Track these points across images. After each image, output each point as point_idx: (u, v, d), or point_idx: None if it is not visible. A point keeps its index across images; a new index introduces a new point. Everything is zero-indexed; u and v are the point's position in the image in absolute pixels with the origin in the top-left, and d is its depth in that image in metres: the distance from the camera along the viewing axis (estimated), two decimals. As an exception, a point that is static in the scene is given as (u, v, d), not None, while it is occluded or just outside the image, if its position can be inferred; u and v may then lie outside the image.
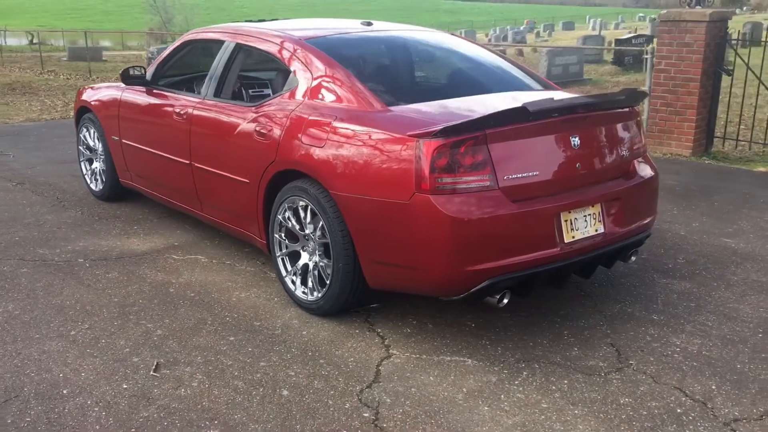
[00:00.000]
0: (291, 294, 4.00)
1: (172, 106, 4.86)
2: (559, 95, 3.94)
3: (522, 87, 4.28)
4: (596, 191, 3.64)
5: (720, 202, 6.14)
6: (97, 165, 6.11)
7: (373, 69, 4.05)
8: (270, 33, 4.35)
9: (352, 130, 3.56)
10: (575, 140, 3.53)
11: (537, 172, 3.41)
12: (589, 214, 3.61)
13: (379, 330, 3.73)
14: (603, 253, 3.71)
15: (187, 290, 4.24)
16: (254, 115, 4.12)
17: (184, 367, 3.34)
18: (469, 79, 4.28)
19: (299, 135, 3.78)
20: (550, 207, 3.40)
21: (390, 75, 4.03)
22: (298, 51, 4.07)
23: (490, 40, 38.19)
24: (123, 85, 5.43)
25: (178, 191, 5.00)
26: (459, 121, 3.25)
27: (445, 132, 3.22)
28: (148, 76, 5.28)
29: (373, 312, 3.92)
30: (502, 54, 4.57)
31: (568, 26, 48.58)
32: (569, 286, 4.23)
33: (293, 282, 3.97)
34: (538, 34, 47.09)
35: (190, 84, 4.94)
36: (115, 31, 44.82)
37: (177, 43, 5.23)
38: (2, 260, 4.72)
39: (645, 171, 3.95)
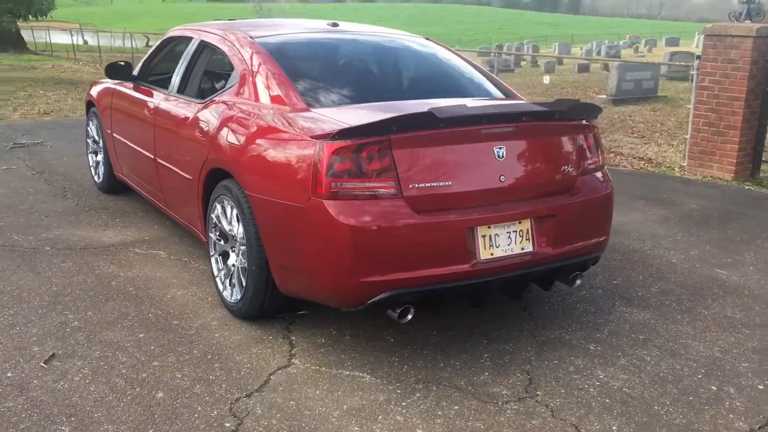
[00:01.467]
0: (219, 294, 3.92)
1: (145, 101, 4.90)
2: (510, 104, 3.70)
3: (477, 94, 4.06)
4: (525, 207, 3.39)
5: (735, 230, 5.66)
6: (99, 157, 6.24)
7: (313, 70, 3.92)
8: (228, 31, 4.31)
9: (267, 130, 3.46)
10: (500, 151, 3.30)
11: (449, 183, 3.19)
12: (515, 231, 3.36)
13: (294, 338, 3.59)
14: (531, 273, 3.45)
15: (128, 285, 4.23)
16: (198, 112, 4.08)
17: (77, 360, 3.31)
18: (417, 84, 4.09)
19: (226, 133, 3.72)
20: (460, 220, 3.18)
21: (329, 77, 3.89)
22: (244, 49, 4.00)
23: (581, 54, 37.29)
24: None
25: (149, 186, 5.03)
26: (358, 124, 3.09)
27: (345, 134, 3.06)
28: (136, 71, 5.34)
29: (299, 319, 3.79)
30: (471, 62, 4.35)
31: (673, 42, 46.79)
32: (515, 307, 3.96)
33: (222, 282, 3.89)
34: (636, 50, 45.55)
35: (167, 80, 4.97)
36: None
37: (161, 40, 5.27)
38: (-26, 244, 4.85)
39: (593, 189, 3.65)
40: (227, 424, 2.84)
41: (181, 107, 4.34)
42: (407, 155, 3.12)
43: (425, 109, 3.12)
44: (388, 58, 4.21)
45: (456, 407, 3.00)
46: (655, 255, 4.98)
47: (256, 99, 3.69)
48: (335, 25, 4.51)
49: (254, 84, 3.75)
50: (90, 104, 6.33)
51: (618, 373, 3.31)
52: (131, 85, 5.31)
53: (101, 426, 2.80)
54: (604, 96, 15.33)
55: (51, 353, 3.37)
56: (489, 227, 3.29)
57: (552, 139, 3.53)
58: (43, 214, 5.63)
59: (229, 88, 3.96)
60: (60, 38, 33.16)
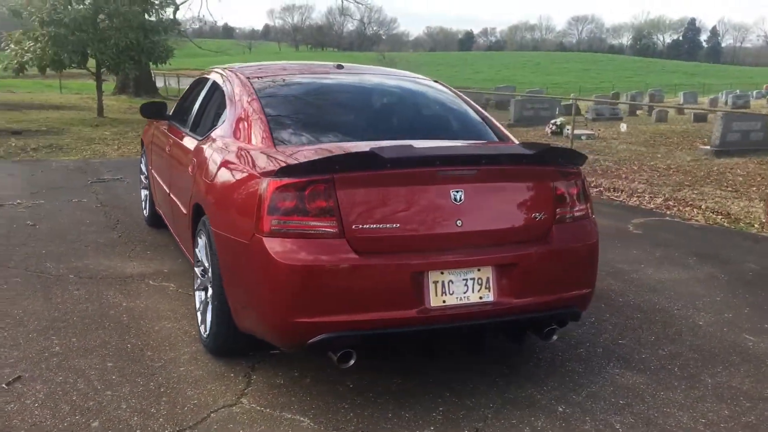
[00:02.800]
0: (198, 329, 3.95)
1: (169, 138, 5.09)
2: (472, 147, 3.57)
3: (464, 137, 3.93)
4: (484, 254, 3.22)
5: (788, 293, 5.15)
6: (146, 192, 6.52)
7: (295, 110, 3.93)
8: (231, 71, 4.42)
9: (230, 167, 3.50)
10: (457, 194, 3.17)
11: (396, 225, 3.09)
12: (473, 279, 3.20)
13: (255, 376, 3.56)
14: (490, 324, 3.26)
15: (124, 314, 4.34)
16: (193, 149, 4.19)
17: (38, 384, 3.41)
18: (400, 125, 4.00)
19: (203, 169, 3.79)
20: (404, 264, 3.06)
21: (309, 117, 3.89)
22: (236, 88, 4.08)
23: (707, 104, 35.66)
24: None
25: (167, 219, 5.19)
26: (299, 161, 3.06)
27: (288, 171, 3.04)
28: (171, 111, 5.57)
29: (269, 358, 3.74)
30: (472, 105, 4.23)
31: (811, 94, 43.88)
32: (495, 362, 3.76)
33: (200, 317, 3.92)
34: (770, 100, 43.03)
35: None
36: None
37: (194, 81, 5.49)
38: (8, 269, 5.15)
39: (571, 238, 3.43)
40: (144, 458, 2.81)
41: (186, 144, 4.47)
42: (351, 195, 3.05)
43: (404, 150, 3.06)
44: (377, 99, 4.16)
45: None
46: (680, 315, 4.60)
47: (234, 137, 3.74)
48: (340, 67, 4.53)
49: (235, 122, 3.81)
50: (143, 143, 6.64)
51: (575, 439, 3.05)
52: (165, 124, 5.53)
53: (24, 449, 2.84)
54: (708, 147, 14.54)
55: (17, 375, 3.48)
56: (442, 273, 3.14)
57: (521, 184, 3.35)
58: (85, 244, 5.91)
59: (218, 126, 4.05)
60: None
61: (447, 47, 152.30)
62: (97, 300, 4.56)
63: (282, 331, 3.08)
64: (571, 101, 24.65)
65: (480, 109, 4.23)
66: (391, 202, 3.10)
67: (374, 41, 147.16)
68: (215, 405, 3.26)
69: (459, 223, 3.17)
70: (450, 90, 4.45)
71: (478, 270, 3.21)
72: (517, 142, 3.95)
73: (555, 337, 3.50)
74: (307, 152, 3.31)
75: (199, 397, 3.33)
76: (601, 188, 9.77)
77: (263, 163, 3.23)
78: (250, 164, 3.32)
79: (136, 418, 3.12)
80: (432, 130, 3.94)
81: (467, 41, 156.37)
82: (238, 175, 3.36)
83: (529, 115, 21.16)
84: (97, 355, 3.74)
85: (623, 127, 18.99)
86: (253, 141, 3.55)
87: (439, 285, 3.14)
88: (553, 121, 18.61)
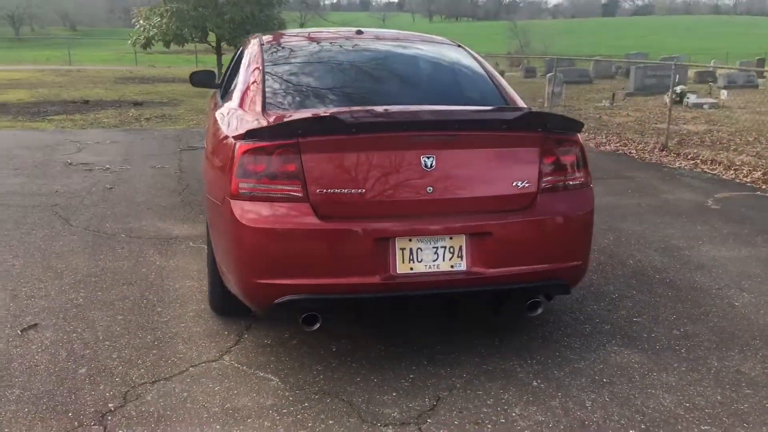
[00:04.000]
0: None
1: (209, 107, 5.28)
2: (480, 113, 3.46)
3: (470, 102, 3.81)
4: (457, 222, 3.15)
5: None
6: (210, 159, 6.78)
7: (299, 77, 3.94)
8: (255, 38, 4.51)
9: (218, 132, 3.60)
10: (429, 160, 3.11)
11: (362, 190, 3.08)
12: (443, 247, 3.15)
13: (246, 336, 3.68)
14: (463, 293, 3.20)
15: (153, 272, 4.59)
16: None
17: (48, 332, 3.68)
18: (403, 91, 3.92)
19: (207, 133, 3.91)
20: (367, 229, 3.06)
21: (310, 81, 3.89)
22: (248, 53, 4.17)
23: None
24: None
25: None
26: (265, 125, 3.11)
27: (254, 135, 3.10)
28: (219, 80, 5.75)
29: (266, 319, 3.83)
30: (490, 71, 4.09)
31: None
32: (487, 333, 3.68)
33: (208, 277, 4.08)
34: None
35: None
36: (495, 55, 46.31)
37: (237, 50, 5.63)
38: (71, 227, 5.56)
39: (559, 208, 3.28)
40: (110, 405, 3.00)
41: (214, 112, 4.61)
42: (316, 160, 3.06)
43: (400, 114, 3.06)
44: (383, 65, 4.10)
45: (330, 422, 2.88)
46: (717, 295, 4.29)
47: (237, 104, 3.82)
48: (360, 32, 4.50)
49: (240, 89, 3.89)
50: (210, 110, 6.90)
51: (536, 414, 2.95)
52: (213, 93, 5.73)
53: (12, 390, 3.10)
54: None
55: (35, 323, 3.78)
56: (410, 240, 3.11)
57: (501, 150, 3.23)
58: (148, 206, 6.27)
59: (231, 93, 4.15)
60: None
61: (589, 13, 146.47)
62: (134, 258, 4.84)
63: (248, 292, 3.16)
64: (706, 67, 23.17)
65: (495, 74, 4.08)
66: (357, 167, 3.09)
67: (511, 9, 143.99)
68: (197, 360, 3.40)
69: (429, 189, 3.11)
70: (470, 54, 4.31)
71: (450, 238, 3.14)
72: (524, 107, 3.79)
73: (539, 310, 3.37)
74: (286, 117, 3.34)
75: (186, 352, 3.49)
76: (698, 160, 9.17)
77: (240, 127, 3.29)
78: (232, 129, 3.39)
79: (120, 368, 3.31)
80: (433, 96, 3.85)
81: (611, 6, 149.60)
82: (220, 140, 3.45)
83: (651, 84, 20.08)
84: (112, 309, 3.99)
85: (724, 93, 17.57)
86: (246, 107, 3.62)
87: (407, 252, 3.11)
88: (674, 89, 17.54)
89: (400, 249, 3.10)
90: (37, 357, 3.40)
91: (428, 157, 3.10)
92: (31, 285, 4.31)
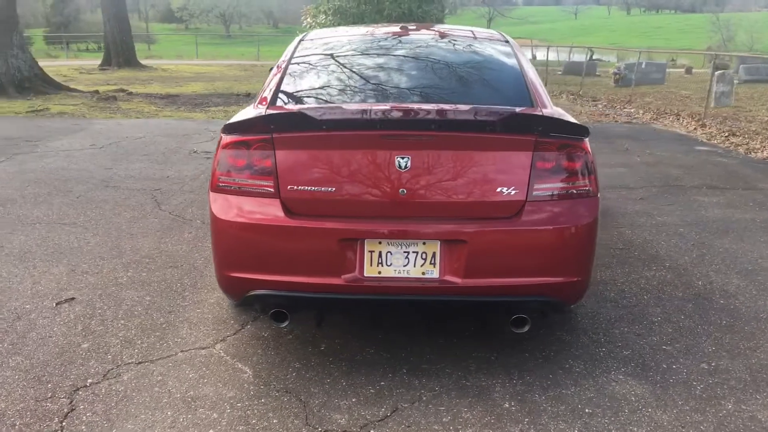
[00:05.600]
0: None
1: None
2: (463, 113, 3.26)
3: (491, 101, 3.59)
4: (430, 226, 3.01)
5: None
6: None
7: (320, 73, 3.91)
8: (302, 34, 4.56)
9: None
10: (404, 161, 2.99)
11: (333, 188, 3.03)
12: (415, 252, 3.02)
13: (248, 327, 3.73)
14: (435, 302, 3.06)
15: (202, 258, 4.79)
16: None
17: (79, 306, 3.97)
18: (421, 89, 3.74)
19: None
20: (333, 229, 3.00)
21: (328, 80, 3.84)
22: (288, 51, 4.22)
23: None
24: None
25: None
26: (243, 119, 3.14)
27: (232, 129, 3.14)
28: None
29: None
30: (524, 69, 3.84)
31: None
32: (493, 349, 3.49)
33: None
34: None
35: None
36: (673, 50, 44.01)
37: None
38: (160, 211, 5.94)
39: (551, 219, 3.03)
40: (89, 381, 3.18)
41: None
42: (289, 155, 3.05)
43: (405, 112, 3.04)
44: (410, 63, 3.94)
45: (274, 421, 2.87)
46: (782, 328, 3.76)
47: (257, 98, 3.88)
48: (403, 28, 4.40)
49: (267, 82, 3.95)
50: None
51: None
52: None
53: (15, 357, 3.38)
54: None
55: (72, 297, 4.08)
56: (380, 243, 3.01)
57: (487, 153, 3.03)
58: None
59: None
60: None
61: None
62: (194, 243, 5.08)
63: (222, 284, 3.21)
64: None
65: (530, 74, 3.81)
66: (329, 164, 3.03)
67: (720, 1, 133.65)
68: (190, 346, 3.51)
69: (403, 191, 2.99)
70: (511, 52, 4.05)
71: (423, 243, 3.00)
72: (540, 111, 3.52)
73: (526, 328, 3.13)
74: (276, 111, 3.34)
75: (186, 337, 3.61)
76: None
77: (230, 120, 3.34)
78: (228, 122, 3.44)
79: (118, 347, 3.49)
80: (449, 95, 3.66)
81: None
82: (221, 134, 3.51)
83: None
84: (146, 290, 4.21)
85: None
86: (258, 103, 3.66)
87: (375, 255, 3.01)
88: None
89: (369, 251, 3.01)
90: (54, 329, 3.67)
91: (403, 158, 2.98)
92: (91, 262, 4.65)
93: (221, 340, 3.56)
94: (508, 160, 3.01)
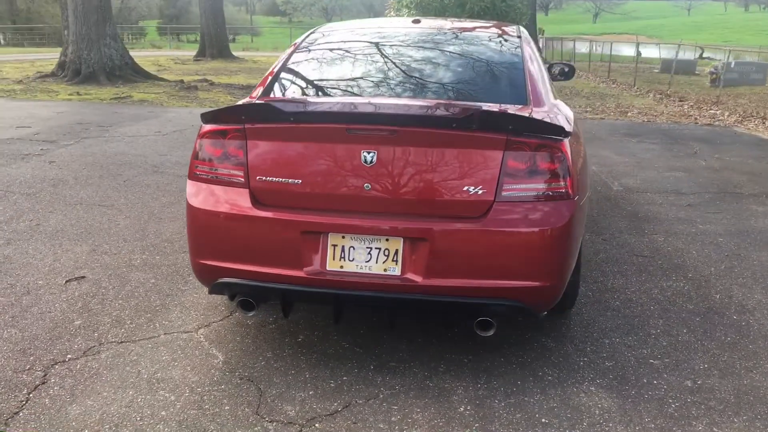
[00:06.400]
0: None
1: None
2: (430, 109, 3.20)
3: (487, 99, 3.52)
4: (394, 223, 2.98)
5: None
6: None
7: (318, 66, 3.91)
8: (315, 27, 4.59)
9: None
10: (369, 156, 2.97)
11: (299, 181, 3.04)
12: (378, 248, 3.00)
13: (236, 314, 3.80)
14: (395, 300, 3.02)
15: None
16: None
17: (86, 285, 4.14)
18: (413, 85, 3.67)
19: None
20: (296, 221, 3.01)
21: (323, 73, 3.85)
22: (296, 43, 4.26)
23: None
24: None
25: None
26: (216, 109, 3.19)
27: (209, 118, 3.20)
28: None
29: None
30: (530, 69, 3.72)
31: None
32: (467, 348, 3.42)
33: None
34: None
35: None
36: None
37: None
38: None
39: (521, 220, 2.93)
40: (68, 356, 3.32)
41: None
42: (260, 146, 3.08)
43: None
44: (411, 57, 3.89)
45: (226, 408, 2.92)
46: (791, 349, 3.51)
47: (257, 89, 3.93)
48: (417, 21, 4.36)
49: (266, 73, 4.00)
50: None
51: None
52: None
53: (11, 330, 3.56)
54: None
55: (82, 276, 4.26)
56: (343, 237, 3.00)
57: (455, 151, 2.96)
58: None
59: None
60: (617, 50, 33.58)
61: None
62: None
63: (194, 270, 3.28)
64: None
65: (534, 71, 3.70)
66: (297, 157, 3.04)
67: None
68: (174, 329, 3.60)
69: (367, 186, 2.97)
70: (523, 48, 3.94)
71: (387, 240, 2.97)
72: (547, 109, 3.42)
73: (491, 332, 3.04)
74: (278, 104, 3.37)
75: (175, 320, 3.71)
76: None
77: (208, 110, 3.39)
78: (216, 112, 3.50)
79: (107, 326, 3.62)
80: (438, 90, 3.60)
81: None
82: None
83: None
84: (153, 272, 4.35)
85: None
86: (252, 94, 3.72)
87: (338, 249, 3.00)
88: None
89: (332, 245, 3.00)
90: (56, 305, 3.84)
91: (369, 153, 2.95)
92: (113, 243, 4.85)
93: (206, 326, 3.63)
94: (476, 159, 2.93)
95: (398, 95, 3.48)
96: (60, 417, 2.82)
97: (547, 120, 3.15)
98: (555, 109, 3.51)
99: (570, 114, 3.66)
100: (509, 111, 3.19)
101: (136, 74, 16.66)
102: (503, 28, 4.35)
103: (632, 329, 3.66)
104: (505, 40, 4.05)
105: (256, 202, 3.05)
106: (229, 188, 3.10)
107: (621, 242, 5.10)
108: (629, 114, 13.23)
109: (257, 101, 3.36)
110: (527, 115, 3.11)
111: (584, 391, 3.05)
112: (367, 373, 3.19)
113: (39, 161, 7.45)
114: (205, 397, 2.97)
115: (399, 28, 4.25)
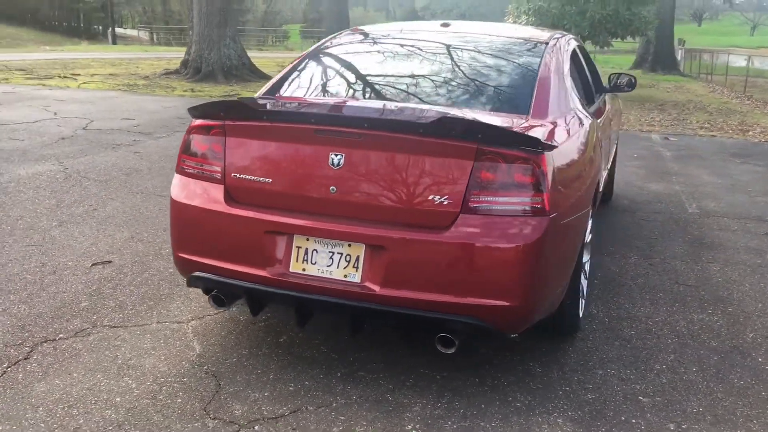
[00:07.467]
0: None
1: None
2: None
3: (490, 107, 3.38)
4: (356, 228, 2.91)
5: None
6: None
7: (331, 66, 3.89)
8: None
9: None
10: (337, 158, 2.93)
11: (270, 180, 3.04)
12: (340, 253, 2.94)
13: (232, 309, 3.86)
14: (355, 308, 2.95)
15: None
16: None
17: (108, 270, 4.32)
18: (422, 89, 3.55)
19: None
20: (260, 220, 3.00)
21: (333, 73, 3.81)
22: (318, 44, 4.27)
23: None
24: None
25: None
26: (201, 104, 3.23)
27: (194, 113, 3.25)
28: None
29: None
30: (543, 78, 3.52)
31: None
32: (449, 366, 3.30)
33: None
34: None
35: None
36: None
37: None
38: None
39: (486, 234, 2.77)
40: (60, 335, 3.47)
41: None
42: (236, 143, 3.10)
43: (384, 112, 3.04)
44: (425, 61, 3.78)
45: (178, 401, 2.95)
46: (812, 401, 3.14)
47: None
48: (445, 25, 4.25)
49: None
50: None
51: (357, 456, 2.62)
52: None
53: (20, 306, 3.77)
54: None
55: (109, 261, 4.46)
56: (307, 239, 2.97)
57: (423, 158, 2.85)
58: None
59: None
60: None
61: None
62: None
63: (174, 262, 3.34)
64: None
65: (547, 82, 3.51)
66: (269, 156, 3.03)
67: None
68: (169, 319, 3.69)
69: (333, 189, 2.92)
70: (542, 57, 3.74)
71: (349, 245, 2.91)
72: (550, 121, 3.24)
73: (452, 350, 2.90)
74: (273, 104, 3.40)
75: (173, 309, 3.80)
76: None
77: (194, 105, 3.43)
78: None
79: (108, 310, 3.76)
80: (437, 96, 3.48)
81: None
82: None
83: None
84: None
85: None
86: (261, 90, 3.75)
87: (302, 251, 2.97)
88: None
89: (297, 247, 2.97)
90: (72, 287, 4.03)
91: (336, 155, 2.90)
92: (152, 231, 5.04)
93: (198, 318, 3.69)
94: (444, 168, 2.81)
95: (388, 100, 3.40)
96: (24, 393, 2.93)
97: (538, 132, 2.97)
98: (560, 121, 3.31)
99: (579, 128, 3.44)
100: (469, 118, 3.01)
101: (251, 74, 17.30)
102: (536, 35, 4.16)
103: (635, 362, 3.38)
104: (528, 48, 3.87)
105: (230, 199, 3.06)
106: (208, 184, 3.13)
107: (668, 268, 4.74)
108: (749, 133, 12.31)
109: (230, 99, 3.36)
110: (500, 125, 2.93)
111: (549, 423, 2.84)
112: (332, 380, 3.12)
113: (126, 151, 7.86)
114: (163, 388, 3.01)
115: (421, 32, 4.15)
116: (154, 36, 51.36)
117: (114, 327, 3.54)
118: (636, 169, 8.21)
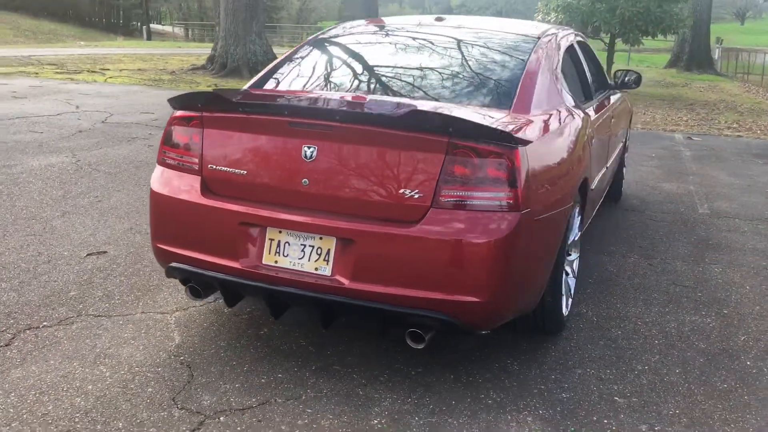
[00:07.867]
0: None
1: None
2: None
3: (471, 101, 3.35)
4: (327, 221, 2.90)
5: None
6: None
7: (316, 60, 3.88)
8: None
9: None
10: (309, 151, 2.92)
11: (244, 172, 3.05)
12: (311, 246, 2.94)
13: (219, 301, 3.88)
14: (325, 302, 2.94)
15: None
16: None
17: (102, 260, 4.37)
18: (402, 83, 3.53)
19: None
20: (234, 212, 3.01)
21: (317, 68, 3.79)
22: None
23: None
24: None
25: None
26: (179, 95, 3.24)
27: (174, 104, 3.26)
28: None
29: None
30: (531, 74, 3.47)
31: None
32: (429, 362, 3.27)
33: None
34: None
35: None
36: None
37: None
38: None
39: (453, 228, 2.74)
40: (44, 323, 3.52)
41: None
42: (213, 135, 3.11)
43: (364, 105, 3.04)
44: (411, 55, 3.75)
45: (149, 390, 2.97)
46: (796, 407, 3.06)
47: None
48: (439, 19, 4.21)
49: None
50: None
51: (317, 449, 2.61)
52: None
53: (10, 293, 3.83)
54: None
55: (104, 251, 4.51)
56: (279, 232, 2.97)
57: (394, 152, 2.82)
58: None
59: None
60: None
61: None
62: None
63: (153, 253, 3.36)
64: None
65: (533, 77, 3.46)
66: (243, 148, 3.04)
67: None
68: (154, 310, 3.71)
69: (305, 182, 2.91)
70: (531, 52, 3.68)
71: (320, 238, 2.90)
72: (531, 116, 3.20)
73: (422, 345, 2.88)
74: (252, 95, 3.40)
75: (159, 300, 3.83)
76: None
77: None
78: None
79: (95, 300, 3.80)
80: (415, 90, 3.45)
81: None
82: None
83: None
84: (170, 255, 4.49)
85: None
86: (248, 84, 3.76)
87: (275, 243, 2.97)
88: None
89: (269, 239, 2.97)
90: (64, 276, 4.08)
91: (309, 147, 2.89)
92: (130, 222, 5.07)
93: (182, 309, 3.71)
94: (415, 161, 2.78)
95: (369, 93, 3.38)
96: (-1, 378, 2.97)
97: (515, 127, 2.93)
98: (543, 117, 3.26)
99: (565, 125, 3.39)
100: (440, 112, 2.97)
101: (277, 69, 17.36)
102: (530, 30, 4.09)
103: (617, 362, 3.32)
104: (519, 43, 3.81)
105: (206, 190, 3.07)
106: (185, 175, 3.15)
107: (668, 269, 4.64)
108: (778, 134, 12.04)
109: (218, 89, 3.37)
110: (474, 119, 2.89)
111: (518, 421, 2.80)
112: (305, 373, 3.12)
113: (140, 144, 7.94)
114: (136, 378, 3.03)
115: (414, 27, 4.12)
116: (189, 32, 51.92)
117: (98, 316, 3.58)
118: (652, 169, 8.07)
